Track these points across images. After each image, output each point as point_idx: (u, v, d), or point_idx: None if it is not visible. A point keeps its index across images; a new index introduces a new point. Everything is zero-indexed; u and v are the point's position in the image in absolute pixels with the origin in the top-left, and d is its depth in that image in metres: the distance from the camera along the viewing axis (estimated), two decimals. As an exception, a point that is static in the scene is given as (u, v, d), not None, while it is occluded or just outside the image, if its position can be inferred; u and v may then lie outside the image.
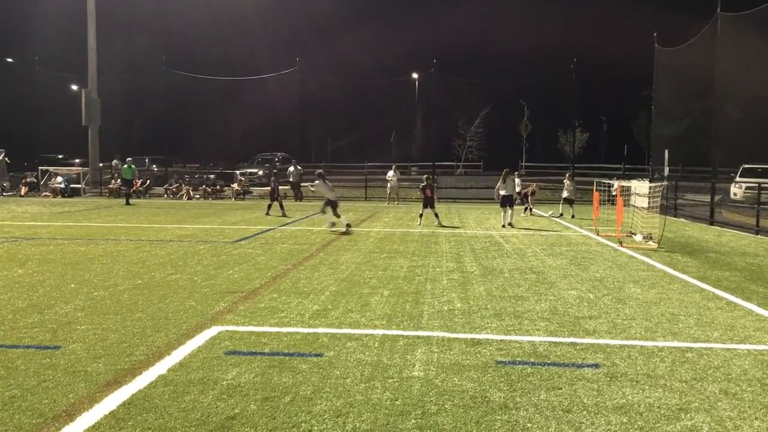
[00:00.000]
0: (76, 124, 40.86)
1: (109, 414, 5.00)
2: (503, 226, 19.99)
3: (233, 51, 65.96)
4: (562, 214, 24.45)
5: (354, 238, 16.62)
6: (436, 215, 20.52)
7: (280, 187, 24.38)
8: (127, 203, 29.49)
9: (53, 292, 9.46)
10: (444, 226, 19.86)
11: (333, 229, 18.41)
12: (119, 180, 33.25)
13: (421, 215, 21.00)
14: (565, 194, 24.91)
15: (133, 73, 55.21)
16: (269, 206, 23.78)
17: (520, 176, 27.09)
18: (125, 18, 57.25)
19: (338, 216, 18.50)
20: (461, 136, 55.97)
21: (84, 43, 40.10)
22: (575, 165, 40.10)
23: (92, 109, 39.24)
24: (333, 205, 18.66)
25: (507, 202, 20.18)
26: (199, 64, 58.45)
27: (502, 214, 20.40)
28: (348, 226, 18.50)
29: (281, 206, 23.71)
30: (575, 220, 22.56)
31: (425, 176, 22.55)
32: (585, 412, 5.17)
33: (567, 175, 26.07)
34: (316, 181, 19.44)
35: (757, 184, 22.90)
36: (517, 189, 22.28)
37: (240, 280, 10.64)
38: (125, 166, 31.04)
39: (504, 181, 20.28)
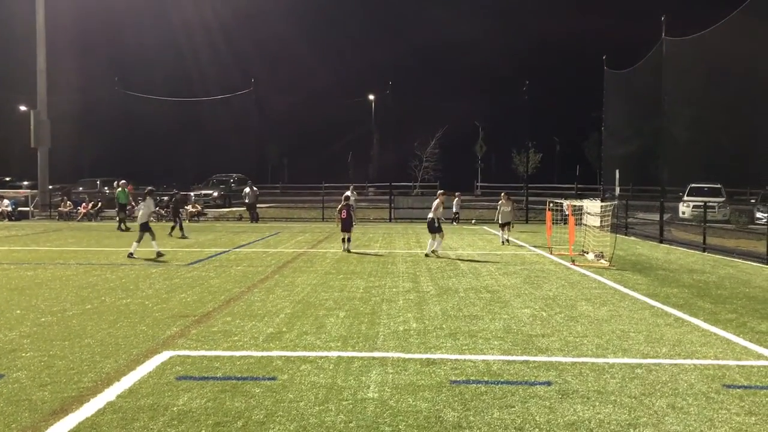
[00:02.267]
0: (24, 145, 39.87)
1: (54, 444, 4.86)
2: (427, 255, 17.36)
3: (188, 72, 65.45)
4: (507, 241, 21.25)
5: (311, 259, 16.54)
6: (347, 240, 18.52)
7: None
8: (121, 229, 26.80)
9: (-2, 319, 9.17)
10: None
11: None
12: (117, 204, 30.89)
13: (343, 240, 18.65)
14: (499, 219, 21.42)
15: (84, 93, 54.28)
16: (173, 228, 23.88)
17: (451, 196, 25.00)
18: (76, 38, 56.33)
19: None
20: (417, 157, 56.40)
21: (33, 63, 39.30)
22: (529, 185, 40.68)
23: (42, 131, 38.33)
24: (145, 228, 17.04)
25: (429, 228, 17.52)
26: (153, 84, 57.82)
27: (429, 240, 17.67)
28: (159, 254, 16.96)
29: (181, 227, 23.76)
30: (529, 238, 22.85)
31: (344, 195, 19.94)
32: (537, 430, 5.23)
33: (503, 194, 21.71)
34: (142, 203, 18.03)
35: (703, 203, 23.62)
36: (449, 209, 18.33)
37: (193, 303, 10.48)
38: (119, 189, 29.15)
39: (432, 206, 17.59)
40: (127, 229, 25.95)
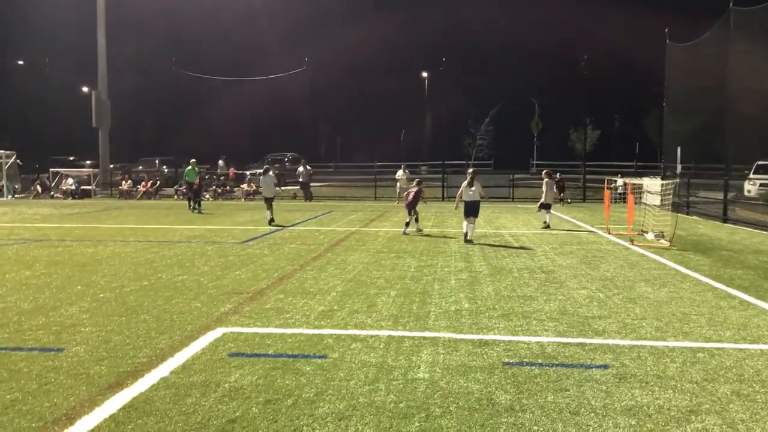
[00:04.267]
0: (86, 125, 41.03)
1: (109, 417, 4.94)
2: (466, 241, 15.70)
3: (242, 51, 66.04)
4: (548, 226, 19.12)
5: (362, 238, 16.54)
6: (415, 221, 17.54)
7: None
8: (193, 208, 26.63)
9: (59, 294, 9.44)
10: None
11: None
12: (183, 184, 31.65)
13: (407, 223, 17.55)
14: (541, 199, 19.70)
15: (142, 74, 55.42)
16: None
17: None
18: (134, 19, 57.41)
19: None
20: (471, 135, 55.75)
21: (94, 46, 40.27)
22: (586, 163, 39.74)
23: (102, 111, 39.38)
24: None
25: (471, 210, 15.86)
26: (208, 65, 58.64)
27: (465, 224, 16.07)
28: None
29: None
30: (586, 218, 22.34)
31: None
32: (593, 414, 5.07)
33: (544, 173, 20.21)
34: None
35: (770, 181, 22.64)
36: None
37: (246, 280, 10.58)
38: (188, 167, 29.57)
39: (470, 185, 15.90)
40: (199, 212, 25.91)
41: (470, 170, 16.53)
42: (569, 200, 30.97)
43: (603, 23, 63.32)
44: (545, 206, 19.49)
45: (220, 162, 42.86)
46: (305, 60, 46.75)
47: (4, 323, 7.72)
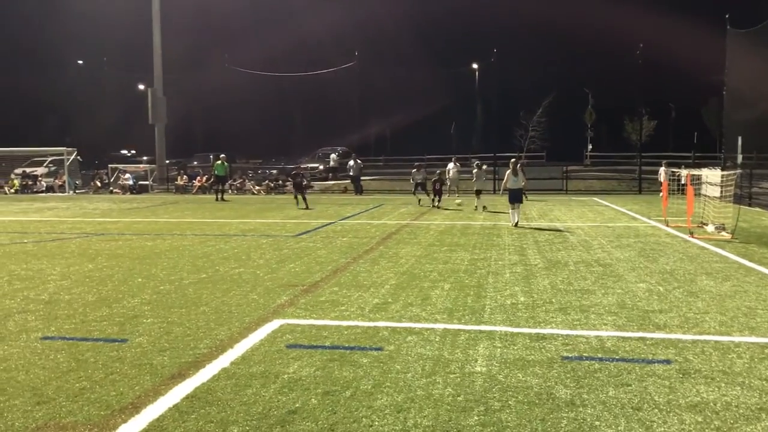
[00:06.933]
0: (143, 122, 42.05)
1: (173, 407, 5.06)
2: (514, 225, 17.21)
3: (292, 46, 66.56)
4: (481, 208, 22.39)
5: (414, 231, 16.52)
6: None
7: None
8: (219, 199, 29.06)
9: (121, 286, 9.70)
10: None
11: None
12: (212, 177, 32.91)
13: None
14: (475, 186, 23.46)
15: (196, 71, 56.39)
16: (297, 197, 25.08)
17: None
18: (188, 17, 58.46)
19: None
20: (523, 126, 55.04)
21: (150, 44, 41.18)
22: (642, 154, 38.80)
23: (158, 108, 40.26)
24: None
25: (516, 197, 17.50)
26: (257, 61, 59.31)
27: (511, 211, 17.60)
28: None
29: (304, 199, 24.72)
30: (643, 210, 21.83)
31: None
32: (656, 411, 4.95)
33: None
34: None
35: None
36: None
37: (301, 273, 10.69)
38: (218, 162, 30.98)
39: (515, 174, 17.36)
40: (224, 200, 27.75)
41: (513, 159, 18.15)
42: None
43: (659, 9, 61.65)
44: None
45: (333, 156, 44.29)
46: (355, 54, 46.74)
47: (70, 314, 7.99)
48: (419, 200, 25.33)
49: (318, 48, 66.29)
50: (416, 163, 27.52)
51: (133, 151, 49.10)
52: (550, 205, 24.83)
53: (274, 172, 40.26)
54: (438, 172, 26.56)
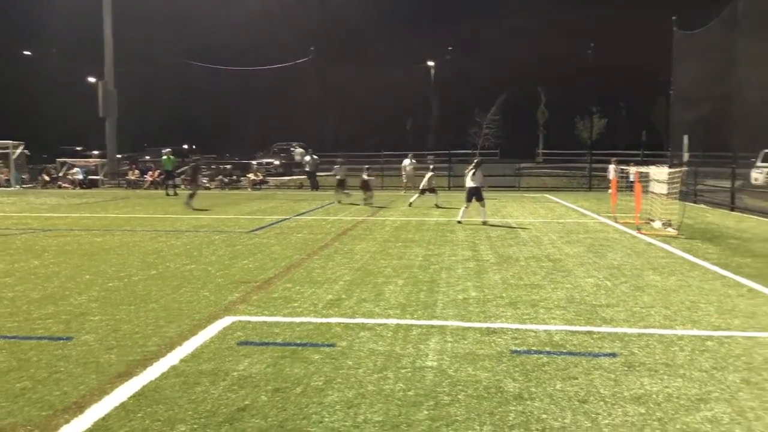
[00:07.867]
0: (93, 116, 41.10)
1: (120, 406, 4.96)
2: (459, 221, 17.53)
3: (248, 41, 65.80)
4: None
5: (369, 227, 16.54)
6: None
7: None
8: (169, 194, 29.08)
9: (68, 283, 9.48)
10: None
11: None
12: (162, 172, 32.70)
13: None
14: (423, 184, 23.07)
15: (149, 64, 55.37)
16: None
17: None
18: (141, 9, 57.29)
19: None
20: (477, 124, 55.55)
21: (100, 36, 40.25)
22: (593, 151, 39.57)
23: (109, 101, 39.44)
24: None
25: (472, 195, 17.64)
26: (214, 55, 58.56)
27: (463, 208, 17.84)
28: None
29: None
30: (592, 206, 22.27)
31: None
32: (602, 403, 5.06)
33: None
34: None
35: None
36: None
37: (254, 270, 10.61)
38: (164, 157, 30.96)
39: (473, 172, 17.61)
40: (175, 195, 27.99)
41: (476, 159, 18.80)
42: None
43: (609, 11, 62.78)
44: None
45: (300, 150, 44.50)
46: (311, 50, 46.54)
47: (13, 312, 7.77)
48: (339, 200, 24.97)
49: (275, 43, 65.70)
50: (338, 160, 27.38)
51: (80, 148, 47.85)
52: (503, 202, 25.15)
53: (228, 167, 39.79)
54: (366, 167, 25.80)
